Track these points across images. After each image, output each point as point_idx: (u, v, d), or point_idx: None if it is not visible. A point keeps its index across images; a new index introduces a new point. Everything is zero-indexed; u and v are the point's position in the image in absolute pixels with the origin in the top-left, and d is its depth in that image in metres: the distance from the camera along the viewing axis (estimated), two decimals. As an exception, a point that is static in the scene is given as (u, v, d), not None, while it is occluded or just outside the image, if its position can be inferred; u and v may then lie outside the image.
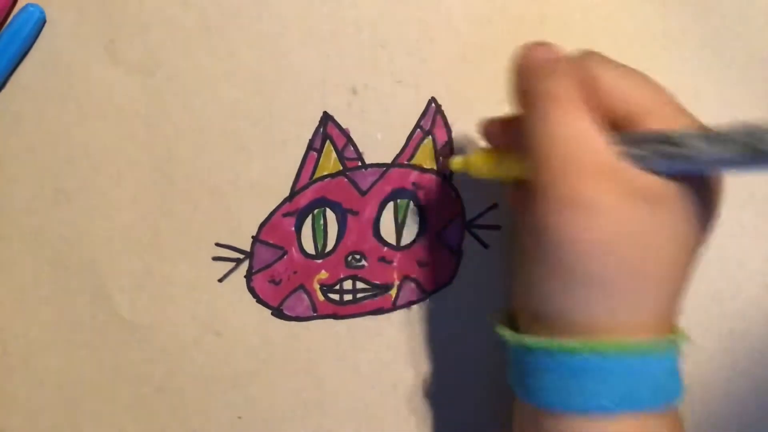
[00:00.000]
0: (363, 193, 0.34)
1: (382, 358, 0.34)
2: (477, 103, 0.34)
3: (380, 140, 0.34)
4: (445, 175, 0.34)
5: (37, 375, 0.34)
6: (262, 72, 0.33)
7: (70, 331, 0.34)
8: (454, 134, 0.34)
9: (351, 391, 0.34)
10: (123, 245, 0.34)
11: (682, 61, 0.34)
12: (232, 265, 0.34)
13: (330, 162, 0.34)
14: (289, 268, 0.34)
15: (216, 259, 0.34)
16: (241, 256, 0.34)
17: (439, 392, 0.35)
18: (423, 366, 0.35)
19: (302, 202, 0.34)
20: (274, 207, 0.34)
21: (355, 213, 0.34)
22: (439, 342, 0.35)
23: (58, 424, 0.34)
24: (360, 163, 0.34)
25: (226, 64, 0.33)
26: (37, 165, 0.33)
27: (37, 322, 0.34)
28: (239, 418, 0.34)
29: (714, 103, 0.34)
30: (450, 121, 0.34)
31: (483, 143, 0.32)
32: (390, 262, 0.34)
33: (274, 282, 0.34)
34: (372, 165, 0.34)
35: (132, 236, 0.34)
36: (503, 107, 0.34)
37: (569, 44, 0.33)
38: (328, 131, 0.34)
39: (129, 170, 0.34)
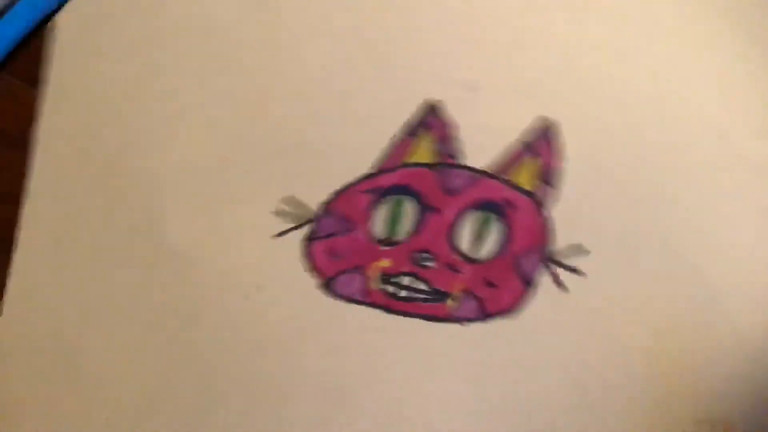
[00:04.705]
0: (449, 193, 0.32)
1: (417, 365, 0.31)
2: (601, 134, 0.32)
3: (483, 145, 0.32)
4: (540, 201, 0.32)
5: (63, 281, 0.32)
6: (384, 38, 0.32)
7: (112, 242, 0.32)
8: (563, 162, 0.32)
9: (374, 388, 0.31)
10: (190, 173, 0.32)
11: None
12: (292, 223, 0.32)
13: (425, 151, 0.32)
14: (352, 246, 0.32)
15: (278, 213, 0.32)
16: (307, 219, 0.32)
17: (463, 419, 0.31)
18: (453, 386, 0.31)
19: (385, 183, 0.32)
20: (355, 179, 0.32)
21: (436, 210, 0.32)
22: (481, 369, 0.31)
23: (72, 332, 0.32)
24: (455, 162, 0.32)
25: (348, 20, 0.32)
26: (112, 88, 0.33)
27: (85, 229, 0.32)
28: (255, 382, 0.31)
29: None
30: (563, 147, 0.32)
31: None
32: (457, 271, 0.32)
33: (333, 255, 0.32)
34: (467, 167, 0.32)
35: (201, 165, 0.32)
36: (625, 135, 0.32)
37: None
38: (432, 120, 0.32)
39: (215, 105, 0.33)
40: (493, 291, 0.32)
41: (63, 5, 0.33)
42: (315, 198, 0.32)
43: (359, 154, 0.33)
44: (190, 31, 0.33)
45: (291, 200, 0.32)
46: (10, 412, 0.31)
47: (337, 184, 0.32)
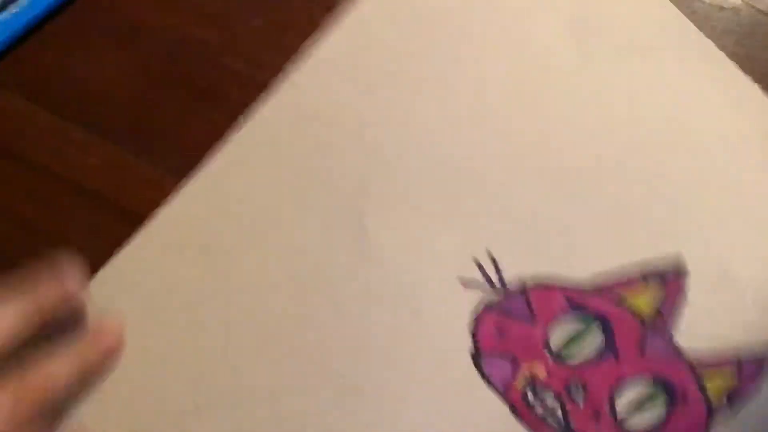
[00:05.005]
0: (640, 351, 0.30)
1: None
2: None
3: (700, 332, 0.31)
4: (714, 413, 0.30)
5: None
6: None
7: (315, 210, 0.32)
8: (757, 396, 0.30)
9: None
10: (409, 181, 0.33)
11: None
12: (482, 281, 0.31)
13: (645, 301, 0.31)
14: (522, 337, 0.31)
15: (476, 263, 0.31)
16: (499, 287, 0.31)
17: None
18: None
19: (592, 305, 0.31)
20: (568, 280, 0.31)
21: (617, 357, 0.31)
22: None
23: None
24: (664, 330, 0.30)
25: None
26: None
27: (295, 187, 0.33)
28: (364, 390, 0.31)
29: None
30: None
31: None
32: (599, 422, 0.30)
33: (500, 333, 0.31)
34: (671, 342, 0.31)
35: (424, 176, 0.33)
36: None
37: None
38: (672, 280, 0.31)
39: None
40: (619, 462, 0.30)
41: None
42: (515, 271, 0.31)
43: (580, 259, 0.31)
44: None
45: (494, 260, 0.31)
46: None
47: (543, 273, 0.31)
